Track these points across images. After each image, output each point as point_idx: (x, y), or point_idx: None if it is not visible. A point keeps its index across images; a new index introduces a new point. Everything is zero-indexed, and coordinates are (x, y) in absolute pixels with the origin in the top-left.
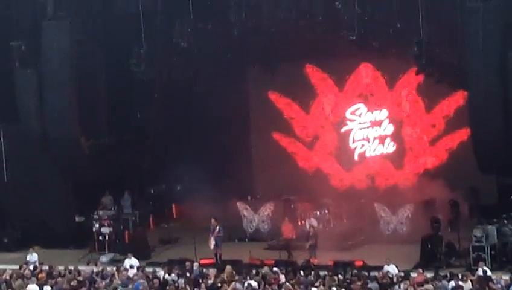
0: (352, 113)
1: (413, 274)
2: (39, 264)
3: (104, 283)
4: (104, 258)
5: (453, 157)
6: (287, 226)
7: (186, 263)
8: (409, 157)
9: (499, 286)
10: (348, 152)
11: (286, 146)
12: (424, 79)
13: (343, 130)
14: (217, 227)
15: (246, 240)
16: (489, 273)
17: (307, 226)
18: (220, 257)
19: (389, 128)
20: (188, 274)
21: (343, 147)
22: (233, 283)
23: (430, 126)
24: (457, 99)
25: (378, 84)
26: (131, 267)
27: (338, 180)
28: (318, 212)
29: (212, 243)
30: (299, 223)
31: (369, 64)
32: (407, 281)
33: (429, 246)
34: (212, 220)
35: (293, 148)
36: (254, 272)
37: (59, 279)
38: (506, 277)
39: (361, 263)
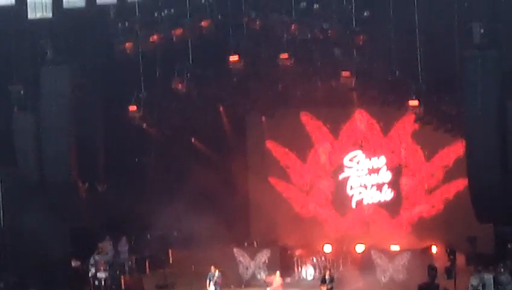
0: (350, 160)
1: None
2: None
3: None
4: None
5: (450, 205)
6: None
7: None
8: (406, 205)
9: None
10: (344, 199)
11: (282, 191)
12: (423, 127)
13: (340, 177)
14: (216, 273)
15: (243, 286)
16: None
17: (304, 274)
18: None
19: (386, 176)
20: None
21: (339, 194)
22: None
23: (430, 175)
24: (457, 149)
25: (373, 132)
26: None
27: (334, 226)
28: (315, 259)
29: (212, 288)
30: (296, 269)
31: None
32: None
33: None
34: (212, 267)
35: (289, 194)
36: None
37: None
38: None
39: None
